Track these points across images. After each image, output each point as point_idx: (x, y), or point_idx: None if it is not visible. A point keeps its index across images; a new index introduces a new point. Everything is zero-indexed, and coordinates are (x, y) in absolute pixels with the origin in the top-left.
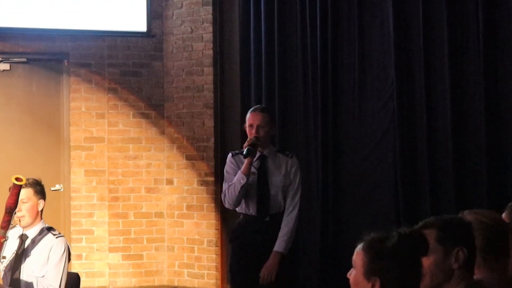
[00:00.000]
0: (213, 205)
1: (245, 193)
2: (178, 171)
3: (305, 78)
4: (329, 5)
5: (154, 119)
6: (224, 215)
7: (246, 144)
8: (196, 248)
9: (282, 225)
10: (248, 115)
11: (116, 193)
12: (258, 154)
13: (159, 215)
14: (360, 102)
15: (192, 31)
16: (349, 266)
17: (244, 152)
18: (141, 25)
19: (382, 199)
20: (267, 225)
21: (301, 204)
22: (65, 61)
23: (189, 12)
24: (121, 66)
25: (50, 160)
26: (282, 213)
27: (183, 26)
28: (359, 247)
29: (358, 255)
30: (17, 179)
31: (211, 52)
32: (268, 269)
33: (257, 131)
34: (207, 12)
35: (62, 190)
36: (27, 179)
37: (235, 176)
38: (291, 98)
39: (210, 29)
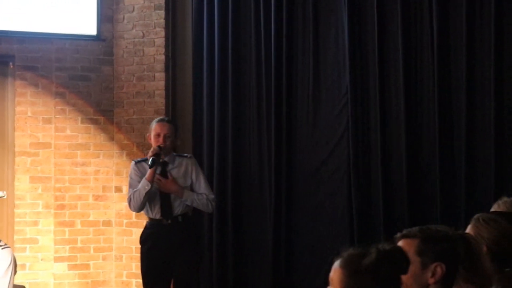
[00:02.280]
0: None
1: (148, 198)
2: (127, 178)
3: (259, 85)
4: (283, 12)
5: (103, 125)
6: None
7: (150, 154)
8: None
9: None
10: (155, 125)
11: (62, 201)
12: (157, 166)
13: (107, 223)
14: (315, 111)
15: (143, 36)
16: (301, 276)
17: (149, 163)
18: (91, 29)
19: (336, 208)
20: (170, 227)
21: (215, 197)
22: (11, 63)
23: (141, 16)
24: (69, 70)
25: None
26: (184, 214)
27: (134, 30)
28: (337, 263)
29: (335, 272)
30: None
31: (163, 57)
32: (164, 182)
33: (163, 140)
34: (159, 17)
35: (5, 197)
36: None
37: (140, 183)
38: (245, 105)
39: (162, 33)
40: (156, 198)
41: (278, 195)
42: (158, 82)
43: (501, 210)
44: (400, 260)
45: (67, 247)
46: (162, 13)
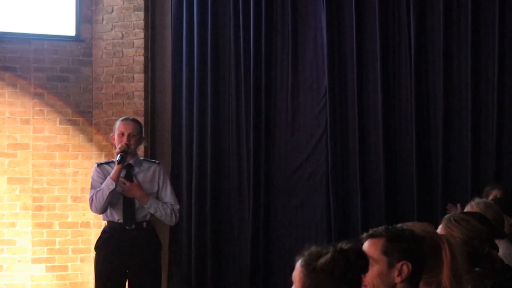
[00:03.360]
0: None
1: (111, 200)
2: None
3: (238, 86)
4: (263, 14)
5: (81, 126)
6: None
7: (118, 150)
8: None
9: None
10: (118, 124)
11: (40, 202)
12: (124, 163)
13: (86, 225)
14: (293, 112)
15: (122, 37)
16: (280, 278)
17: (117, 159)
18: (69, 29)
19: (313, 209)
20: (133, 233)
21: (180, 208)
22: None
23: (120, 17)
24: (48, 71)
25: None
26: (148, 221)
27: (113, 31)
28: (298, 262)
29: (296, 270)
30: None
31: (142, 58)
32: (129, 186)
33: (128, 139)
34: (138, 18)
35: None
36: None
37: (103, 183)
38: (224, 106)
39: (142, 34)
40: (119, 201)
41: (256, 196)
42: (137, 83)
43: (474, 211)
44: (357, 260)
45: (45, 248)
46: (141, 14)
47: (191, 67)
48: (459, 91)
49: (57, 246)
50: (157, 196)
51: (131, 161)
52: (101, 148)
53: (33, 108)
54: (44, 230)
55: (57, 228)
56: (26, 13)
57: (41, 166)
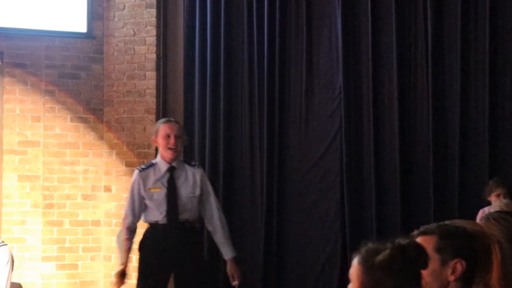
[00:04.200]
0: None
1: (150, 201)
2: (117, 178)
3: (251, 85)
4: (277, 12)
5: (92, 124)
6: None
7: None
8: (134, 258)
9: (217, 231)
10: (163, 126)
11: (51, 200)
12: (167, 166)
13: (96, 223)
14: (307, 111)
15: (134, 34)
16: (293, 278)
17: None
18: (81, 26)
19: (327, 209)
20: (175, 233)
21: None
22: None
23: (132, 14)
24: (59, 68)
25: None
26: (192, 222)
27: (125, 29)
28: (355, 259)
29: (353, 267)
30: None
31: (154, 56)
32: (235, 275)
33: (175, 141)
34: (150, 15)
35: None
36: None
37: (120, 237)
38: (237, 105)
39: (154, 32)
40: (162, 204)
41: (269, 196)
42: (149, 81)
43: (506, 210)
44: (416, 255)
45: (55, 246)
46: (153, 11)
47: (204, 65)
48: (476, 90)
49: (67, 244)
50: (201, 199)
51: (174, 164)
52: (112, 146)
53: (44, 105)
54: (55, 228)
55: (67, 226)
56: (37, 10)
57: (52, 164)
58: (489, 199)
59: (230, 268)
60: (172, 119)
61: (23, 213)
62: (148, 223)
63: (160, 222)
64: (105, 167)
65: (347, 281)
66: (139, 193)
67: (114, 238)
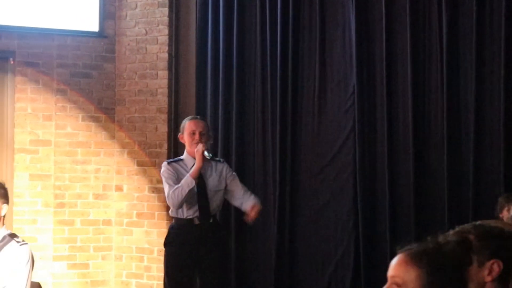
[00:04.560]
0: (164, 213)
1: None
2: (128, 177)
3: (264, 84)
4: (290, 11)
5: (104, 123)
6: None
7: (201, 148)
8: (145, 258)
9: (247, 199)
10: (189, 123)
11: (62, 199)
12: (193, 162)
13: (107, 222)
14: (320, 110)
15: (146, 33)
16: (305, 278)
17: (209, 154)
18: (93, 25)
19: (340, 208)
20: (201, 226)
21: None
22: (11, 59)
23: (144, 13)
24: (70, 67)
25: None
26: (215, 216)
27: (137, 28)
28: (400, 257)
29: (398, 265)
30: None
31: (166, 55)
32: (256, 213)
33: (199, 138)
34: (162, 14)
35: None
36: None
37: (183, 180)
38: (249, 104)
39: (166, 31)
40: (192, 198)
41: (282, 195)
42: (161, 80)
43: None
44: (460, 252)
45: (66, 246)
46: (165, 10)
47: (216, 64)
48: (491, 88)
49: (78, 244)
50: (226, 191)
51: None
52: (123, 145)
53: (55, 104)
54: (66, 228)
55: (78, 225)
56: (49, 9)
57: (63, 163)
58: (501, 216)
59: (253, 209)
60: (198, 117)
61: (34, 212)
62: (174, 218)
63: (186, 217)
64: (117, 166)
65: (359, 281)
66: (172, 177)
67: (169, 194)
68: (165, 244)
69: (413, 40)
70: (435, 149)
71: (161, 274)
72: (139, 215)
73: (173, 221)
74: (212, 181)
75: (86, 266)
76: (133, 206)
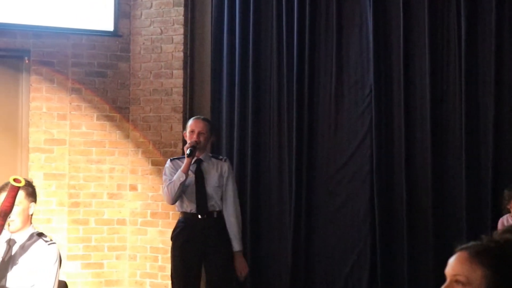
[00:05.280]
0: (179, 212)
1: (183, 191)
2: (142, 176)
3: (280, 84)
4: (306, 10)
5: (118, 122)
6: None
7: (188, 145)
8: (160, 257)
9: (230, 225)
10: (191, 122)
11: (76, 198)
12: (194, 159)
13: (122, 222)
14: (337, 111)
15: (161, 32)
16: (321, 279)
17: (187, 152)
18: (108, 24)
19: (357, 209)
20: (205, 221)
21: (239, 202)
22: (26, 58)
23: (159, 12)
24: (85, 66)
25: (6, 162)
26: (218, 211)
27: (152, 27)
28: (460, 255)
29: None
30: (15, 180)
31: (181, 54)
32: (240, 268)
33: (198, 136)
34: (178, 13)
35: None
36: None
37: (175, 175)
38: (265, 104)
39: (181, 30)
40: (192, 193)
41: (298, 196)
42: (176, 80)
43: None
44: None
45: (81, 245)
46: (181, 10)
47: (232, 64)
48: (510, 91)
49: (93, 243)
50: (222, 191)
51: (201, 157)
52: (137, 145)
53: (70, 103)
54: (80, 227)
55: (93, 225)
56: (64, 8)
57: (78, 162)
58: (508, 207)
59: (237, 261)
60: (201, 117)
61: (48, 211)
62: (181, 212)
63: (191, 211)
64: (131, 165)
65: (376, 281)
66: (171, 173)
67: (164, 189)
68: (172, 237)
69: (431, 40)
70: (453, 150)
71: None
72: (153, 214)
73: (180, 215)
74: (211, 178)
75: (100, 265)
76: (147, 206)
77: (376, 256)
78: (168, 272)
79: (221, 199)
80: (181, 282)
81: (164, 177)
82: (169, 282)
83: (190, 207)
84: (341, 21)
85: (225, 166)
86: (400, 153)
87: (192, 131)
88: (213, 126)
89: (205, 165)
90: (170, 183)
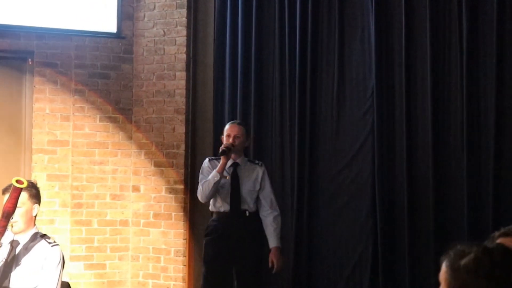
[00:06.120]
0: (181, 213)
1: (217, 191)
2: (145, 178)
3: (282, 86)
4: (309, 12)
5: (121, 124)
6: (193, 225)
7: (222, 147)
8: (162, 258)
9: (267, 225)
10: (227, 127)
11: (79, 199)
12: (231, 162)
13: (124, 223)
14: (339, 112)
15: (164, 34)
16: (324, 280)
17: (220, 151)
18: (111, 26)
19: (359, 211)
20: (238, 221)
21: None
22: (29, 59)
23: (162, 14)
24: (88, 68)
25: (10, 164)
26: (251, 212)
27: (155, 29)
28: (443, 262)
29: (442, 270)
30: (17, 181)
31: (184, 56)
32: (276, 262)
33: (233, 140)
34: (181, 15)
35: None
36: None
37: (210, 175)
38: (268, 106)
39: (184, 32)
40: (227, 194)
41: (300, 197)
42: (179, 81)
43: None
44: (503, 259)
45: (84, 246)
46: (184, 11)
47: (235, 65)
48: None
49: (95, 244)
50: (257, 194)
51: (237, 160)
52: (140, 146)
53: (73, 105)
54: (83, 228)
55: (95, 226)
56: (68, 10)
57: (81, 163)
58: None
59: (273, 254)
60: (236, 121)
61: (51, 212)
62: (214, 212)
63: (224, 210)
64: (134, 167)
65: (378, 282)
66: (208, 172)
67: (199, 187)
68: (205, 235)
69: (433, 41)
70: (455, 151)
71: (178, 275)
72: (156, 215)
73: (213, 214)
74: (246, 182)
75: (103, 266)
76: (150, 207)
77: (378, 257)
78: (170, 273)
79: (255, 202)
80: (214, 276)
81: (200, 175)
82: (172, 283)
83: (224, 208)
84: (343, 23)
85: (261, 171)
86: (401, 154)
87: (228, 135)
88: (248, 131)
89: (241, 168)
90: (205, 181)
